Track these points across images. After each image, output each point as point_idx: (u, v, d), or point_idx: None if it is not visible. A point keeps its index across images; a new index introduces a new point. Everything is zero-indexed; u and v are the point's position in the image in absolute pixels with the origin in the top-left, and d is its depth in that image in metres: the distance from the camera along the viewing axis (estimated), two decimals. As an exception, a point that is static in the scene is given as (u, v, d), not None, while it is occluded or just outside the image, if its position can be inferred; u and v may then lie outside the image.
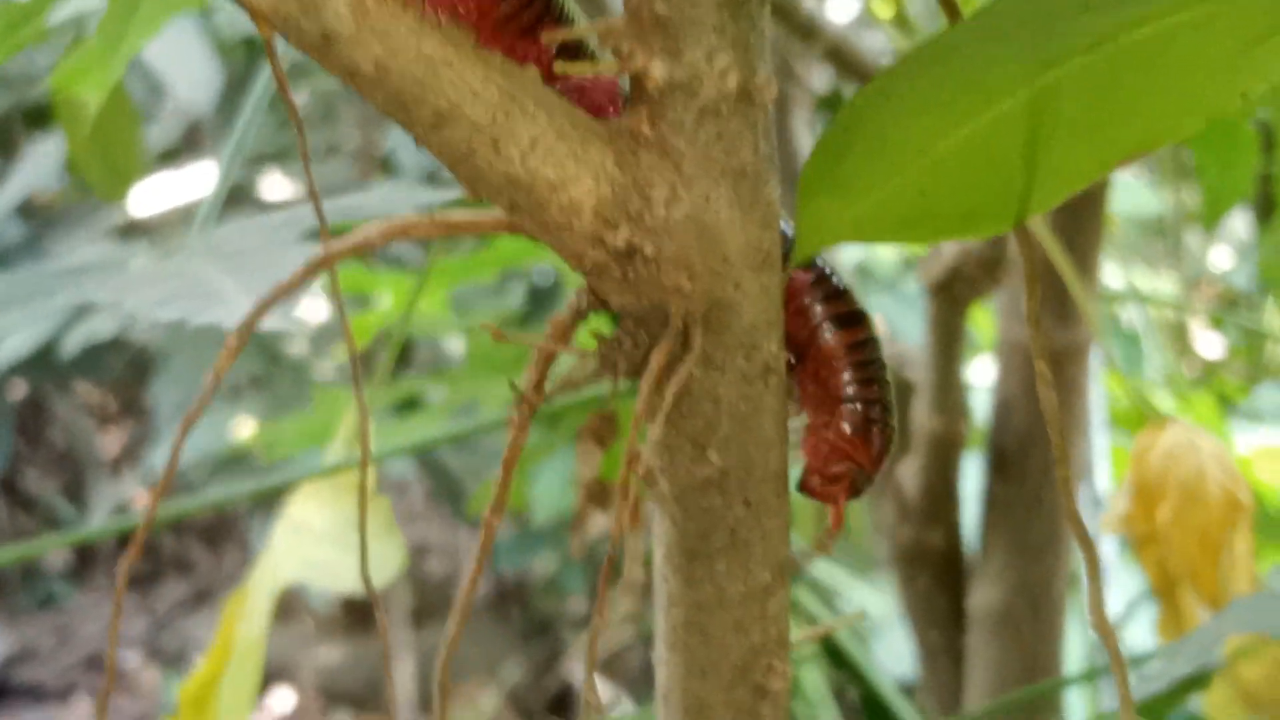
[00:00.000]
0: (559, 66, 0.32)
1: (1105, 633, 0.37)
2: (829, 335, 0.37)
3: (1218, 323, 2.09)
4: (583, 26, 0.33)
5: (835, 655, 0.69)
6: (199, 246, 0.58)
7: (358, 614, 2.20)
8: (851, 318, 0.37)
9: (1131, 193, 1.83)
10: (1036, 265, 0.36)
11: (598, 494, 0.88)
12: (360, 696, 2.24)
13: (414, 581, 2.12)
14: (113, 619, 0.33)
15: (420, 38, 0.30)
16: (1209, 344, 2.18)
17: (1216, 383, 1.84)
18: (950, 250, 0.78)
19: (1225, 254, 2.20)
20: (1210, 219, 0.77)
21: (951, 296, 0.79)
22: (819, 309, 0.37)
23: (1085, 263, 0.78)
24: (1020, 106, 0.32)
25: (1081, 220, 0.78)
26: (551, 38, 0.32)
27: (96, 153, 1.85)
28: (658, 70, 0.31)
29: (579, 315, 0.35)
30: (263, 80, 0.60)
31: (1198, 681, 0.61)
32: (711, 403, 0.34)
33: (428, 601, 2.25)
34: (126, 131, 1.79)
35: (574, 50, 0.33)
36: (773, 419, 0.35)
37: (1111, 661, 0.37)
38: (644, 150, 0.32)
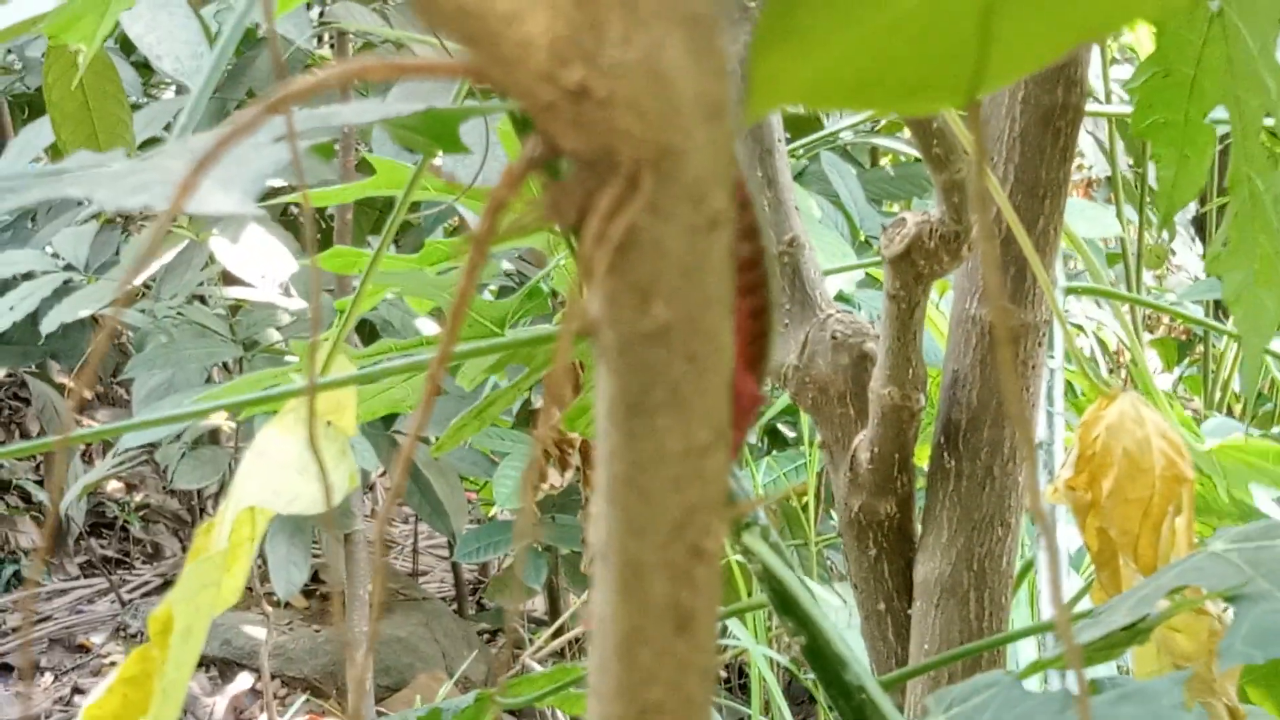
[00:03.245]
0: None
1: (1040, 518, 0.37)
2: None
3: (1169, 363, 2.11)
4: None
5: (784, 603, 0.69)
6: (175, 149, 0.59)
7: (319, 602, 2.19)
8: None
9: (1092, 216, 1.85)
10: (995, 231, 0.37)
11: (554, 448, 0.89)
12: (318, 682, 2.24)
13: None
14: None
15: None
16: (1160, 382, 2.20)
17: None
18: (913, 221, 0.79)
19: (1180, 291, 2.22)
20: (1166, 212, 0.78)
21: (912, 268, 0.79)
22: None
23: (1045, 242, 0.79)
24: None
25: (1044, 199, 0.79)
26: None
27: (82, 134, 1.85)
28: (616, -89, 0.32)
29: (531, 163, 0.35)
30: (233, 20, 0.61)
31: (1134, 634, 0.62)
32: (658, 253, 0.35)
33: (390, 596, 2.26)
34: (114, 114, 1.79)
35: None
36: (717, 274, 0.35)
37: (1045, 540, 0.38)
38: (600, -9, 0.33)
